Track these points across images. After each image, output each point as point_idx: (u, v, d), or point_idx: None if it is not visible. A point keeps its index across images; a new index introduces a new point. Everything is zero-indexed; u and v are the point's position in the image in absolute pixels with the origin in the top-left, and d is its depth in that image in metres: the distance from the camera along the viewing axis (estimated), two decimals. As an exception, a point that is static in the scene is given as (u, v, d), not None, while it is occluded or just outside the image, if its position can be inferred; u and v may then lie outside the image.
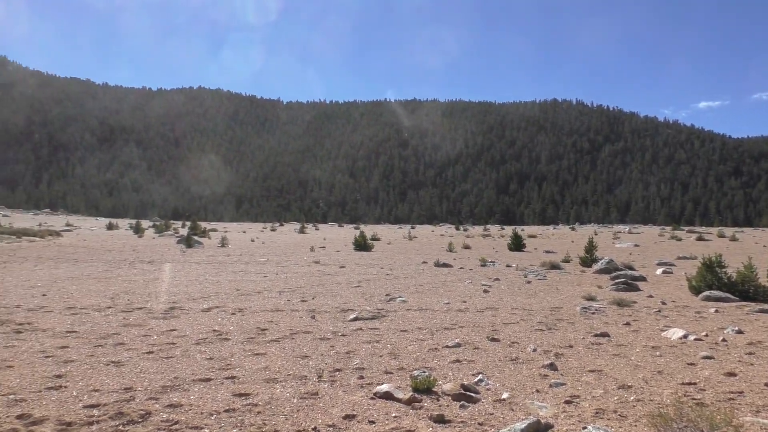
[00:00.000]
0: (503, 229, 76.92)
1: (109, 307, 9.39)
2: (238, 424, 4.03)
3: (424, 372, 5.30)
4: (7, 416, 4.20)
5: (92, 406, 4.41)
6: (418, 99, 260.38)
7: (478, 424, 4.14)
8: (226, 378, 5.24)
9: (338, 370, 5.56)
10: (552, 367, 5.75)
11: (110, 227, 53.00)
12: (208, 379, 5.19)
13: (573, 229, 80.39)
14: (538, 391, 4.99)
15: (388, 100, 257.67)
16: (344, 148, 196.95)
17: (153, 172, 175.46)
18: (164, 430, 3.93)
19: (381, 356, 6.17)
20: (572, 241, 38.40)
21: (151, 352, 6.23)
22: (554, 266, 17.91)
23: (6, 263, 17.45)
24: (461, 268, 17.83)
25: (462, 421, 4.19)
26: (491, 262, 19.91)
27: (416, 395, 4.65)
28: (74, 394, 4.74)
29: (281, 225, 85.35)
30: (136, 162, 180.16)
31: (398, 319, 8.54)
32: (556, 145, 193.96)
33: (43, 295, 10.82)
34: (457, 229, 72.20)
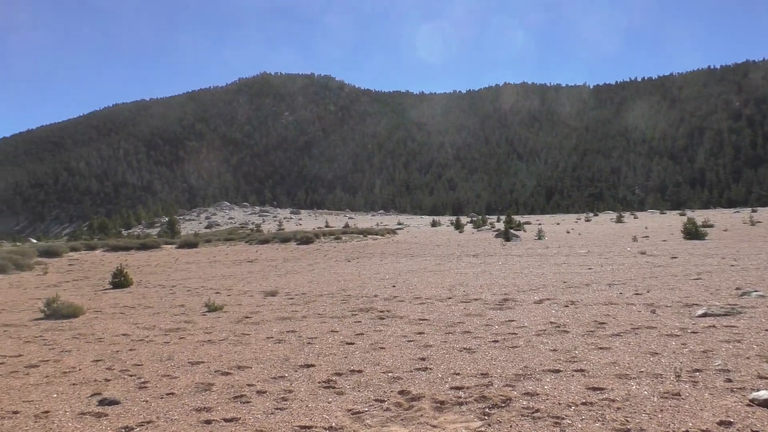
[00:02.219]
0: None
1: (449, 298, 10.22)
2: (599, 419, 4.00)
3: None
4: (391, 391, 4.90)
5: (457, 388, 4.86)
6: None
7: None
8: (575, 371, 5.24)
9: (698, 370, 5.10)
10: None
11: (434, 224, 57.75)
12: (557, 371, 5.26)
13: None
14: None
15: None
16: (660, 126, 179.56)
17: (466, 171, 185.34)
18: (527, 416, 4.12)
19: (748, 358, 5.46)
20: None
21: (497, 341, 6.59)
22: None
23: (359, 259, 20.38)
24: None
25: None
26: None
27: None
28: (439, 375, 5.29)
29: (595, 215, 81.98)
30: (450, 162, 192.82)
31: (759, 317, 7.46)
32: None
33: (393, 286, 12.33)
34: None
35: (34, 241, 60.77)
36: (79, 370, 6.14)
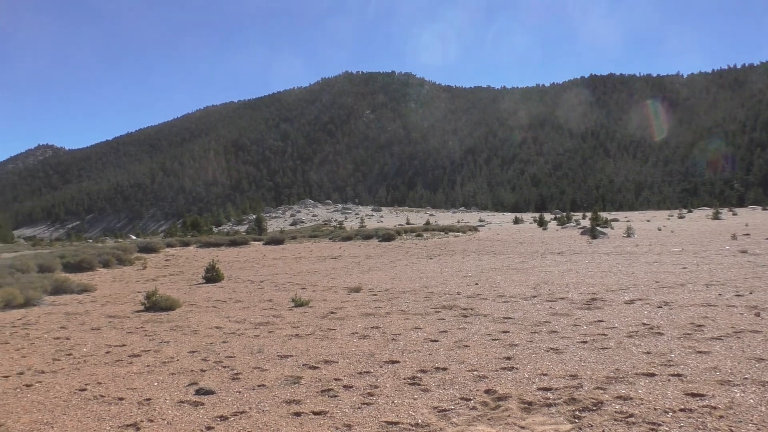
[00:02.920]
0: None
1: (534, 296, 10.02)
2: (700, 426, 3.79)
3: None
4: (477, 390, 4.86)
5: (545, 389, 4.76)
6: None
7: None
8: (671, 375, 5.00)
9: (812, 379, 4.75)
10: None
11: (516, 221, 56.69)
12: (652, 374, 5.04)
13: None
14: None
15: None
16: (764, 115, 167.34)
17: (549, 166, 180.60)
18: (620, 421, 3.97)
19: None
20: None
21: (585, 342, 6.40)
22: None
23: (440, 256, 20.33)
24: None
25: None
26: None
27: None
28: (526, 375, 5.20)
29: (689, 211, 77.68)
30: (533, 158, 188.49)
31: None
32: None
33: (476, 283, 12.22)
34: None
35: (134, 237, 64.64)
36: (177, 360, 6.48)
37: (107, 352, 7.04)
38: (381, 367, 5.78)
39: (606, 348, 6.08)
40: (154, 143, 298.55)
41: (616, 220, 50.84)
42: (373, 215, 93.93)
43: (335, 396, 4.90)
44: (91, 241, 66.39)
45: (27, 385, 5.65)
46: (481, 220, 65.60)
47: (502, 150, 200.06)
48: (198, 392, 5.16)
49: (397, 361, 5.95)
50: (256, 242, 32.93)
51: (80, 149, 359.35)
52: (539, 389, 4.78)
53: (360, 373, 5.59)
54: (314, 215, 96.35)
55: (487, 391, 4.79)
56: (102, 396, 5.20)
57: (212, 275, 15.16)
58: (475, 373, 5.37)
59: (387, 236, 30.85)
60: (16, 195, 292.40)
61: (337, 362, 6.05)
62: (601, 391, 4.62)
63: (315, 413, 4.48)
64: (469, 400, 4.60)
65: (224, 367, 6.07)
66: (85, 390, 5.40)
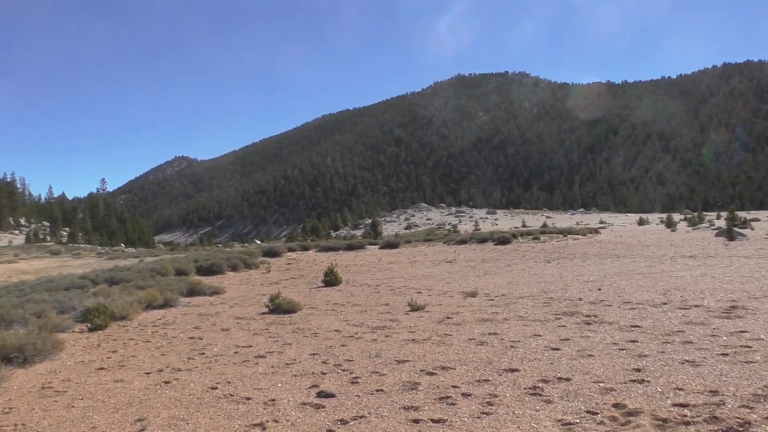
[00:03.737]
0: None
1: (664, 303, 9.35)
2: None
3: None
4: (604, 403, 4.59)
5: (681, 405, 4.40)
6: None
7: None
8: (833, 395, 4.45)
9: None
10: None
11: (641, 222, 53.54)
12: (808, 394, 4.51)
13: None
14: None
15: None
16: None
17: (677, 164, 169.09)
18: (772, 445, 3.58)
19: None
20: None
21: (726, 354, 5.86)
22: None
23: (559, 259, 19.60)
24: None
25: None
26: None
27: None
28: (659, 390, 4.84)
29: None
30: (659, 155, 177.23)
31: None
32: None
33: (599, 289, 11.63)
34: None
35: (258, 242, 68.23)
36: (299, 362, 6.70)
37: (235, 353, 7.43)
38: (500, 375, 5.63)
39: (751, 362, 5.53)
40: (276, 152, 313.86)
41: (756, 220, 46.44)
42: (487, 218, 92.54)
43: (453, 404, 4.83)
44: (220, 246, 70.92)
45: (165, 382, 6.08)
46: (601, 222, 62.58)
47: (623, 147, 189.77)
48: (319, 395, 5.29)
49: (517, 370, 5.77)
50: (372, 246, 33.54)
51: (211, 159, 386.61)
52: (674, 405, 4.42)
53: (478, 380, 5.48)
54: (428, 219, 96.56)
55: (615, 405, 4.51)
56: (231, 395, 5.48)
57: (331, 279, 15.59)
58: (601, 384, 5.09)
59: (503, 239, 30.24)
60: (156, 203, 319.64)
61: (455, 369, 5.97)
62: (748, 410, 4.20)
63: (434, 421, 4.44)
64: (596, 414, 4.36)
65: (343, 370, 6.19)
66: (216, 389, 5.73)
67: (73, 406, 5.36)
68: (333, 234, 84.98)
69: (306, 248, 33.64)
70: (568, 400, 4.72)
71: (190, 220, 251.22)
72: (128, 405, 5.32)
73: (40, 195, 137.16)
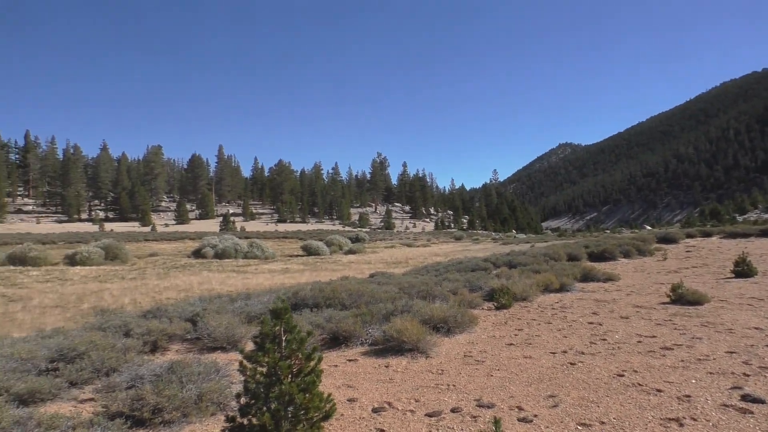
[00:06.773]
0: None
1: None
2: None
3: None
4: None
5: None
6: None
7: None
8: None
9: None
10: None
11: None
12: None
13: None
14: None
15: None
16: None
17: None
18: None
19: None
20: None
21: None
22: None
23: None
24: None
25: None
26: None
27: None
28: None
29: None
30: None
31: None
32: None
33: None
34: None
35: (648, 228, 64.19)
36: (714, 359, 6.15)
37: (638, 342, 7.23)
38: None
39: None
40: (666, 129, 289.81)
41: None
42: None
43: None
44: (608, 231, 69.25)
45: (571, 363, 6.32)
46: None
47: None
48: (744, 398, 4.79)
49: None
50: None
51: (595, 144, 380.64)
52: None
53: None
54: None
55: None
56: (639, 384, 5.39)
57: (743, 269, 13.74)
58: None
59: None
60: (543, 190, 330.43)
61: None
62: None
63: None
64: None
65: (771, 373, 5.45)
66: (622, 376, 5.70)
67: (491, 375, 6.03)
68: (739, 218, 74.27)
69: (707, 234, 30.24)
70: None
71: (575, 206, 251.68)
72: (539, 380, 5.72)
73: (444, 187, 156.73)
